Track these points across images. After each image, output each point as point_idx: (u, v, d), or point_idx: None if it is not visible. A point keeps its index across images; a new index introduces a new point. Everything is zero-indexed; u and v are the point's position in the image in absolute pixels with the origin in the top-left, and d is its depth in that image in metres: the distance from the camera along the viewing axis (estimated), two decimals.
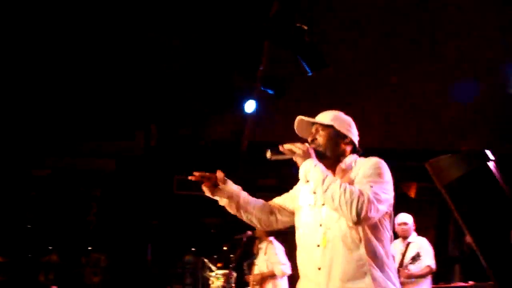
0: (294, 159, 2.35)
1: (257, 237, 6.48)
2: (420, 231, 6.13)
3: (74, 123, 6.05)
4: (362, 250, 2.24)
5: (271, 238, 6.34)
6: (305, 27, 5.05)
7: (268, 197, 9.23)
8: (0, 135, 6.64)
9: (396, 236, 5.98)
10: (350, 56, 5.96)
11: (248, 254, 6.66)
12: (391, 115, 7.34)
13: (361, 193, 2.17)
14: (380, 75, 6.39)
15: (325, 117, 2.51)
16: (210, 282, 5.97)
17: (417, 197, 8.25)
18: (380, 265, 2.27)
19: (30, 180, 8.27)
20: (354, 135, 2.52)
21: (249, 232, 6.06)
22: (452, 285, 6.40)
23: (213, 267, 5.99)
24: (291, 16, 4.97)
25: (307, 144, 2.39)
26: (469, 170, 1.44)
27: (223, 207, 2.61)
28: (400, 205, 6.23)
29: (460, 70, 6.60)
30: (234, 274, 5.95)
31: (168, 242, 9.71)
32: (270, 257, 6.16)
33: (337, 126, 2.46)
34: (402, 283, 5.56)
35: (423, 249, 5.60)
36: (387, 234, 2.37)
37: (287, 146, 2.36)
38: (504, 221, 1.31)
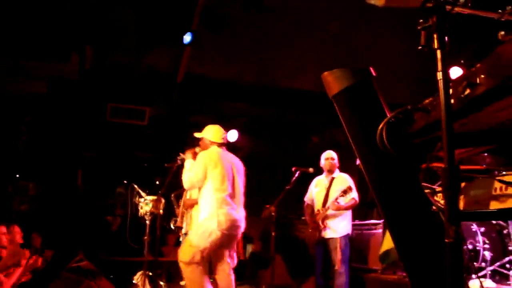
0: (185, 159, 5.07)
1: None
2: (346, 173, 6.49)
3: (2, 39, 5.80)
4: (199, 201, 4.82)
5: None
6: None
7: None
8: None
9: (321, 172, 6.33)
10: None
11: (177, 185, 6.84)
12: (326, 60, 7.55)
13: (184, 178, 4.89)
14: (318, 20, 6.52)
15: (203, 131, 5.03)
16: (139, 207, 6.08)
17: (345, 142, 8.65)
18: (207, 208, 4.65)
19: None
20: (215, 137, 4.96)
21: (179, 162, 6.21)
22: (367, 222, 6.92)
23: (142, 193, 6.10)
24: None
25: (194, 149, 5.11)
26: (354, 82, 1.63)
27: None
28: (330, 149, 6.53)
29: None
30: (163, 200, 6.12)
31: (100, 173, 9.69)
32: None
33: (205, 136, 5.00)
34: (327, 217, 5.98)
35: (350, 184, 5.97)
36: (209, 189, 4.68)
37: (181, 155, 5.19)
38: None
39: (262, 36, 6.48)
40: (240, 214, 4.77)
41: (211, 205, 4.60)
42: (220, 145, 4.95)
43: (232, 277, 4.89)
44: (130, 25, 6.02)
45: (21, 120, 9.00)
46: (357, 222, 6.69)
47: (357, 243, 6.63)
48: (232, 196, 4.72)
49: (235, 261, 4.99)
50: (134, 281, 6.22)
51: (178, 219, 6.60)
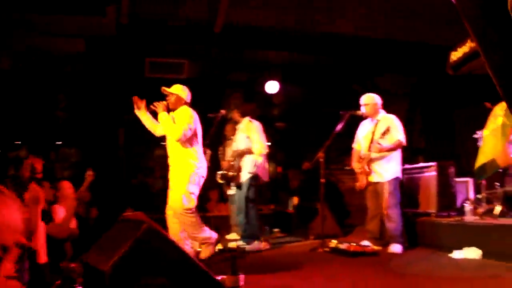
0: (158, 111, 5.14)
1: (231, 119, 6.55)
2: None
3: None
4: (179, 150, 5.12)
5: (249, 118, 6.41)
6: None
7: (236, 92, 8.93)
8: None
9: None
10: None
11: (221, 136, 6.76)
12: (366, 2, 7.18)
13: (179, 127, 5.02)
14: None
15: (176, 89, 5.24)
16: None
17: (388, 88, 8.36)
18: (196, 158, 5.14)
19: None
20: (187, 97, 5.28)
21: (223, 111, 6.10)
22: (418, 165, 6.69)
23: None
24: None
25: (164, 103, 5.16)
26: None
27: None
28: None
29: None
30: (209, 152, 6.04)
31: (140, 134, 9.66)
32: (249, 134, 6.28)
33: (180, 94, 5.23)
34: (372, 160, 5.79)
35: (392, 125, 5.72)
36: (194, 143, 5.16)
37: (155, 104, 5.15)
38: None
39: None
40: None
41: (199, 155, 5.19)
42: (189, 104, 5.31)
43: None
44: None
45: (60, 87, 9.01)
46: (406, 166, 6.44)
47: (408, 188, 6.43)
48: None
49: None
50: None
51: (227, 172, 6.55)
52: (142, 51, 7.25)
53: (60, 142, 11.03)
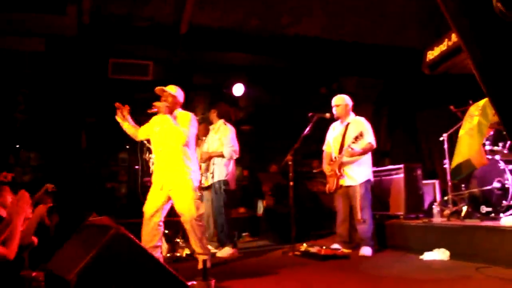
0: (159, 111, 4.80)
1: (206, 120, 6.47)
2: None
3: None
4: (180, 155, 4.82)
5: (223, 121, 6.33)
6: None
7: (200, 95, 8.92)
8: None
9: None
10: None
11: None
12: (333, 4, 7.20)
13: (185, 131, 4.78)
14: None
15: (173, 89, 4.96)
16: (150, 164, 5.89)
17: (354, 91, 8.40)
18: (195, 163, 4.91)
19: None
20: (181, 98, 5.05)
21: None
22: (386, 167, 6.72)
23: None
24: None
25: (165, 103, 4.83)
26: None
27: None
28: (332, 97, 6.24)
29: None
30: None
31: (102, 138, 9.41)
32: (221, 137, 6.18)
33: (177, 96, 4.98)
34: (343, 164, 5.77)
35: (363, 128, 5.70)
36: (191, 145, 4.93)
37: (157, 104, 4.80)
38: None
39: None
40: None
41: (195, 160, 4.99)
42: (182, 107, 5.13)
43: None
44: None
45: (18, 88, 8.67)
46: (375, 168, 6.46)
47: (376, 190, 6.45)
48: None
49: None
50: None
51: None
52: (105, 51, 7.03)
53: (18, 146, 10.65)
